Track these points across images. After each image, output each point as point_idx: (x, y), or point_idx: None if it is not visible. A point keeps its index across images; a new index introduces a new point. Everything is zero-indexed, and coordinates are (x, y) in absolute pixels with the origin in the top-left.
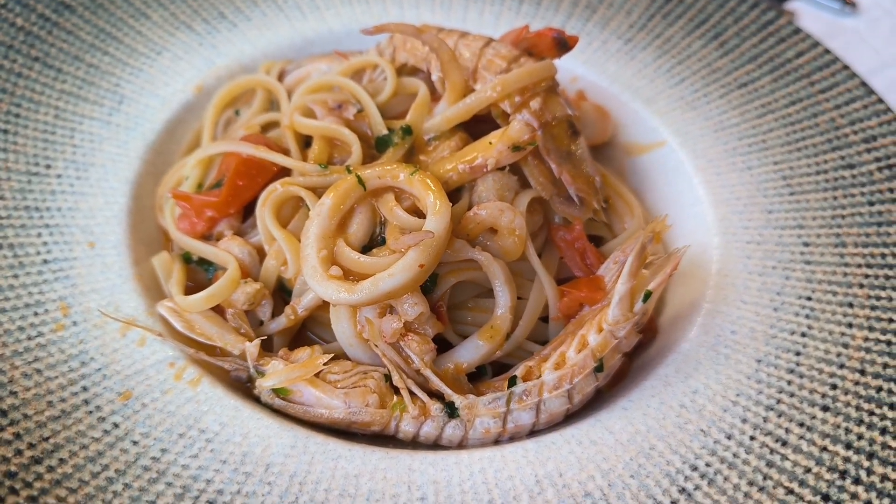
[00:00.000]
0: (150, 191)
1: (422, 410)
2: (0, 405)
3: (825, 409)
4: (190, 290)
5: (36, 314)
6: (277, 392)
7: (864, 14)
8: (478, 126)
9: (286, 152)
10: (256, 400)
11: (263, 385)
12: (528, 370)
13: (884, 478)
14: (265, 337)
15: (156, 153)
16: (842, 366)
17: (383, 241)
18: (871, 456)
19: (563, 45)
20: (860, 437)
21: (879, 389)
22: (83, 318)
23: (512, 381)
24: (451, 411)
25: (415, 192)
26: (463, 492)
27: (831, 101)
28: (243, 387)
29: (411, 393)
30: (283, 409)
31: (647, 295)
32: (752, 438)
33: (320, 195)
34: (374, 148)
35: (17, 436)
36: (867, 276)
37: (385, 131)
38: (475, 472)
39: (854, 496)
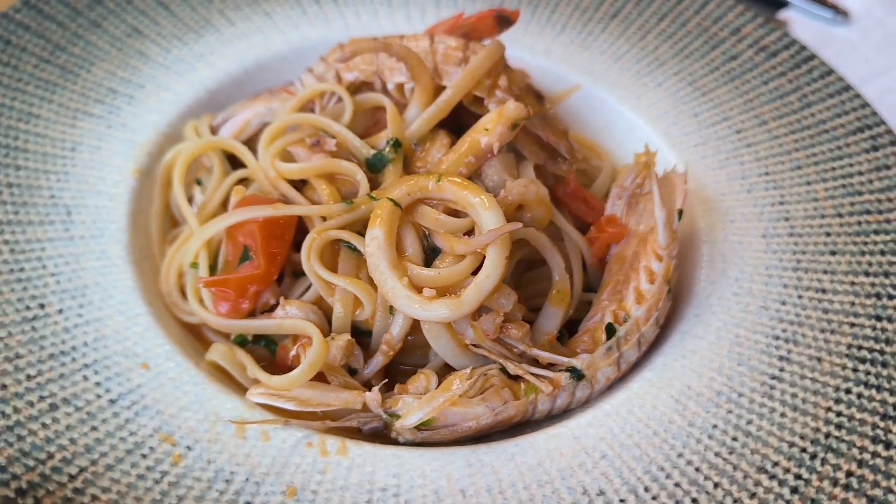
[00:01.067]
0: (159, 293)
1: (553, 385)
2: None
3: (833, 293)
4: None
5: (144, 457)
6: (419, 426)
7: (855, 23)
8: (450, 119)
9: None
10: (395, 443)
11: (406, 425)
12: (615, 314)
13: None
14: (386, 381)
15: (138, 251)
16: (834, 253)
17: (433, 252)
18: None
19: (506, 20)
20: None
21: (870, 264)
22: (194, 440)
23: (609, 329)
24: (577, 375)
25: (447, 196)
26: (629, 436)
27: (691, 9)
28: (380, 436)
29: (535, 374)
30: (426, 441)
31: (680, 213)
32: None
33: (357, 231)
34: (368, 170)
35: None
36: (796, 150)
37: (371, 152)
38: (626, 416)
39: None
